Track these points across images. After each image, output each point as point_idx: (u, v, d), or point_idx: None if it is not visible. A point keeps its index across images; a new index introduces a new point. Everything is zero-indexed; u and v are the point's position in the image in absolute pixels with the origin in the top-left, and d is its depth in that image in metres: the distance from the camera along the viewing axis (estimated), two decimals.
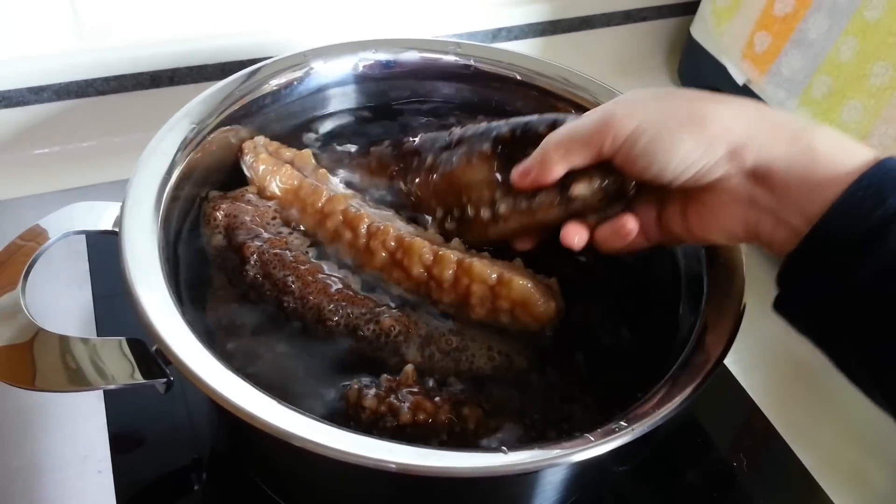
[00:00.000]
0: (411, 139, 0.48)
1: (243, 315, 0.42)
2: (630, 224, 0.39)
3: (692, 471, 0.50)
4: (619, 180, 0.38)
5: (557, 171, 0.38)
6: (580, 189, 0.38)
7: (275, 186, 0.47)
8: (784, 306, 0.34)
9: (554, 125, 0.39)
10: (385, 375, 0.39)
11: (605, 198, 0.38)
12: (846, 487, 0.49)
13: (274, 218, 0.46)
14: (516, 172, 0.40)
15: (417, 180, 0.46)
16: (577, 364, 0.42)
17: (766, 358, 0.56)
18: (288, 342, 0.41)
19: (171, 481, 0.46)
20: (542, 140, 0.39)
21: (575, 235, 0.39)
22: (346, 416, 0.37)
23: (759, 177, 0.34)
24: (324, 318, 0.41)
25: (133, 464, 0.46)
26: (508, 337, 0.42)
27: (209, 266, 0.44)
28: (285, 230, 0.45)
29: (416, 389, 0.38)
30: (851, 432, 0.52)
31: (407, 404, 0.36)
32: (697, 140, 0.33)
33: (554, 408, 0.39)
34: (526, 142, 0.40)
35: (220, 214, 0.45)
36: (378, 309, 0.41)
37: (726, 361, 0.54)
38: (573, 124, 0.38)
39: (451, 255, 0.42)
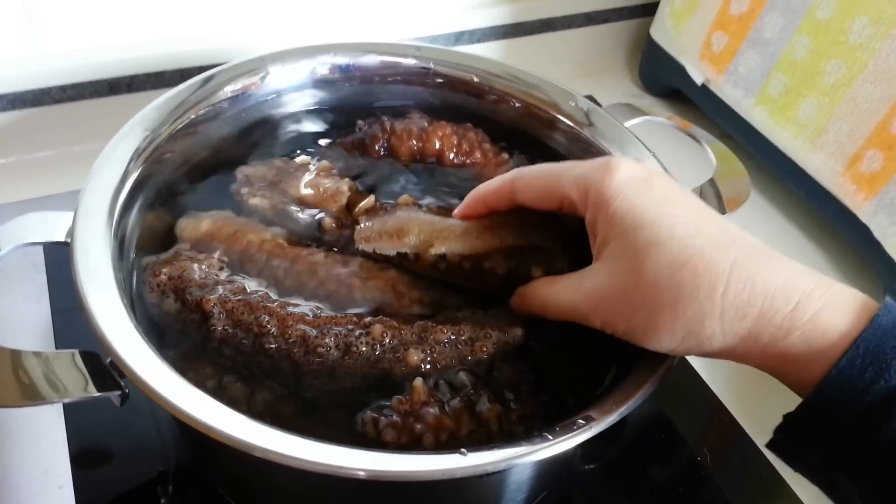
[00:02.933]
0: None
1: (224, 376, 0.39)
2: None
3: (660, 467, 0.50)
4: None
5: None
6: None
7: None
8: (780, 452, 0.34)
9: None
10: (396, 397, 0.37)
11: None
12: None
13: (221, 268, 0.43)
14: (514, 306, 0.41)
15: None
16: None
17: None
18: (283, 385, 0.39)
19: (135, 495, 0.45)
20: None
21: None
22: (376, 445, 0.36)
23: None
24: (313, 346, 0.38)
25: (95, 478, 0.45)
26: (495, 311, 0.42)
27: (166, 336, 0.41)
28: (238, 277, 0.43)
29: (430, 403, 0.36)
30: None
31: (427, 430, 0.35)
32: (668, 342, 0.34)
33: (564, 374, 0.40)
34: None
35: (163, 278, 0.41)
36: (364, 320, 0.40)
37: (689, 357, 0.55)
38: (557, 294, 0.38)
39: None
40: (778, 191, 0.71)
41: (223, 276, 0.42)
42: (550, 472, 0.45)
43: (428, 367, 0.38)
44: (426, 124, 0.52)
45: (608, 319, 0.35)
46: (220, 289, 0.40)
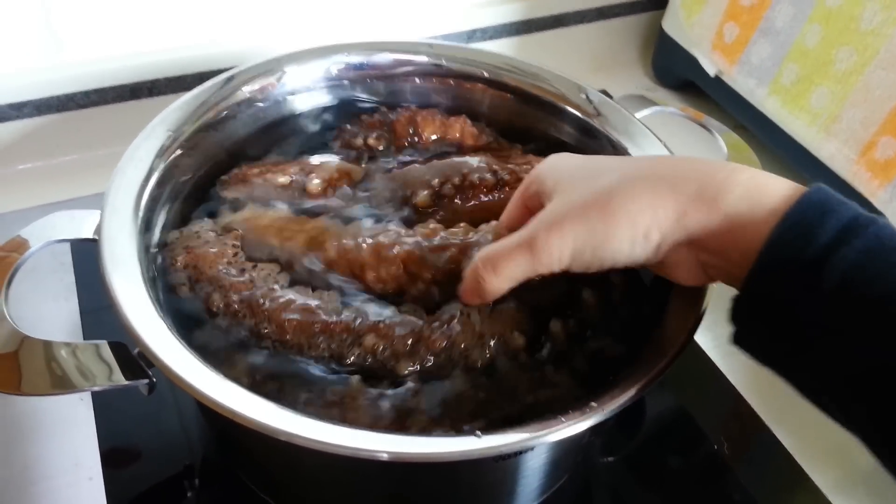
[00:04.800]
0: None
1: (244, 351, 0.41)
2: None
3: (680, 459, 0.51)
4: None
5: (500, 291, 0.38)
6: None
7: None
8: (740, 342, 0.34)
9: None
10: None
11: None
12: (828, 469, 0.50)
13: (236, 254, 0.44)
14: (464, 294, 0.39)
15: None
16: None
17: None
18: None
19: (163, 488, 0.46)
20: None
21: None
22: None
23: (695, 245, 0.35)
24: (308, 354, 0.40)
25: (124, 471, 0.46)
26: (501, 310, 0.42)
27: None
28: (249, 265, 0.44)
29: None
30: None
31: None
32: (631, 240, 0.34)
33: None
34: None
35: (179, 266, 0.43)
36: (357, 326, 0.40)
37: (705, 347, 0.55)
38: (502, 247, 0.37)
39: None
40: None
41: (234, 269, 0.43)
42: (566, 457, 0.46)
43: (418, 373, 0.39)
44: (447, 116, 0.55)
45: (563, 239, 0.34)
46: (225, 284, 0.42)
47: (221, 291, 0.42)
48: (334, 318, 0.40)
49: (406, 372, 0.39)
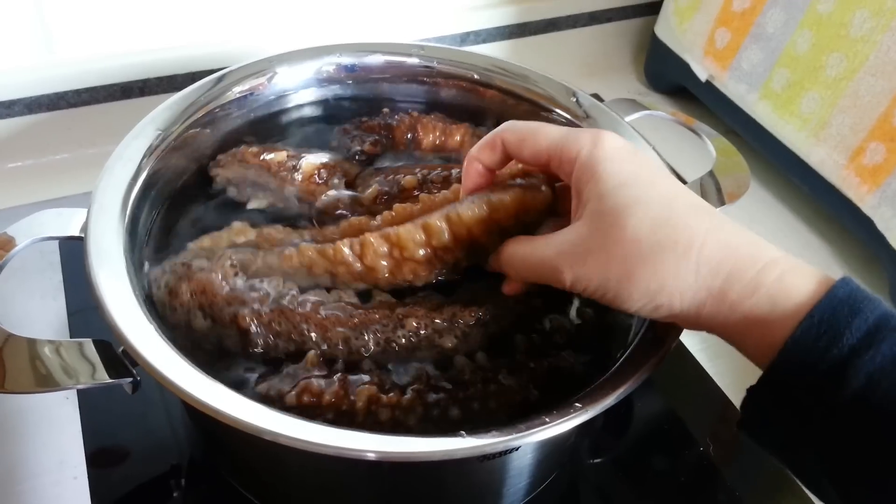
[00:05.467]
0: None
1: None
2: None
3: (667, 460, 0.51)
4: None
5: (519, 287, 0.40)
6: None
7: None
8: (748, 429, 0.35)
9: None
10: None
11: None
12: None
13: (236, 273, 0.42)
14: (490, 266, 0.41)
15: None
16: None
17: (731, 347, 0.57)
18: None
19: (149, 488, 0.46)
20: None
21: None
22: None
23: (706, 328, 0.35)
24: (356, 348, 0.40)
25: (109, 470, 0.46)
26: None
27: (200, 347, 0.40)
28: (254, 280, 0.42)
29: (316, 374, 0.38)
30: None
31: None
32: (640, 308, 0.34)
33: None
34: None
35: (185, 297, 0.40)
36: (397, 312, 0.41)
37: (693, 351, 0.56)
38: (529, 252, 0.38)
39: (438, 223, 0.40)
40: (782, 185, 0.71)
41: (241, 283, 0.41)
42: (553, 458, 0.46)
43: (460, 348, 0.40)
44: (449, 123, 0.54)
45: (582, 274, 0.35)
46: (248, 299, 0.40)
47: (247, 306, 0.40)
48: (371, 307, 0.41)
49: (451, 345, 0.40)
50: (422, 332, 0.40)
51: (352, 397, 0.37)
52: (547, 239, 0.37)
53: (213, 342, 0.40)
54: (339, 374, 0.38)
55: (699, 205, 0.35)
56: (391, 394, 0.37)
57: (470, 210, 0.40)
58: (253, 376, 0.39)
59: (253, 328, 0.39)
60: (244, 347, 0.40)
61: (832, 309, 0.31)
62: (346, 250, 0.41)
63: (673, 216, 0.34)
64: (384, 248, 0.40)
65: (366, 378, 0.38)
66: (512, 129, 0.39)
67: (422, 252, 0.40)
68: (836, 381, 0.30)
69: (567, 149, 0.37)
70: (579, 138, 0.37)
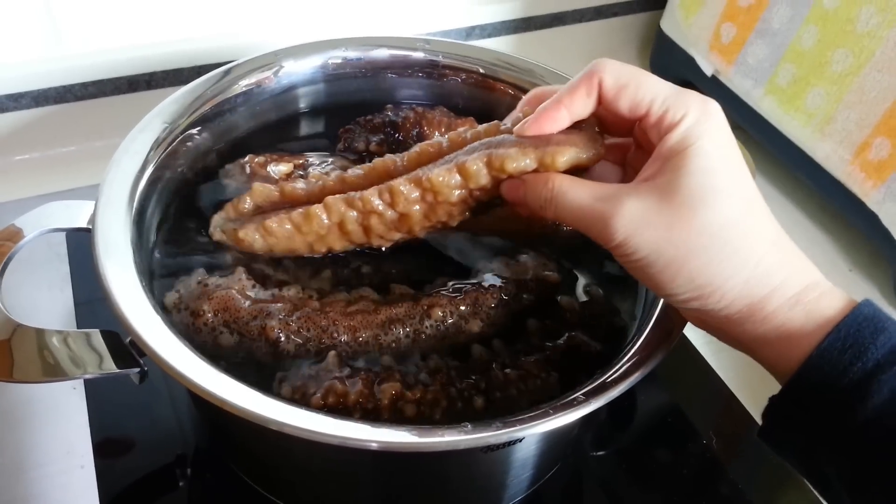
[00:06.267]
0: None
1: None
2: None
3: (671, 455, 0.51)
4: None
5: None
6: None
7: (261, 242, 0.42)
8: (768, 438, 0.35)
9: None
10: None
11: None
12: None
13: (254, 285, 0.42)
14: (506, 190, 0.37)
15: None
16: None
17: None
18: None
19: (155, 478, 0.47)
20: None
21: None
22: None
23: (728, 338, 0.35)
24: (387, 343, 0.40)
25: (116, 459, 0.47)
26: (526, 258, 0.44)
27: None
28: (274, 290, 0.42)
29: (337, 374, 0.38)
30: None
31: (319, 394, 0.37)
32: (670, 297, 0.34)
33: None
34: None
35: (209, 317, 0.40)
36: (421, 303, 0.41)
37: (697, 345, 0.56)
38: (583, 195, 0.34)
39: (475, 164, 0.37)
40: (787, 180, 0.71)
41: (263, 294, 0.41)
42: (556, 450, 0.46)
43: (486, 330, 0.41)
44: (455, 117, 0.54)
45: (634, 240, 0.32)
46: (272, 311, 0.40)
47: (274, 318, 0.39)
48: (393, 302, 0.41)
49: (478, 329, 0.41)
50: (448, 320, 0.40)
51: (377, 395, 0.37)
52: (606, 189, 0.34)
53: (241, 357, 0.40)
54: (362, 372, 0.38)
55: (768, 214, 0.34)
56: (415, 389, 0.38)
57: (515, 162, 0.35)
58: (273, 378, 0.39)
59: (283, 338, 0.39)
60: (275, 357, 0.39)
61: (857, 325, 0.31)
62: (376, 200, 0.39)
63: (747, 220, 0.33)
64: (416, 194, 0.38)
65: (387, 374, 0.38)
66: (612, 72, 0.34)
67: (457, 193, 0.37)
68: (859, 394, 0.30)
69: (674, 109, 0.33)
70: (688, 101, 0.33)
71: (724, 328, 0.34)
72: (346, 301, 0.41)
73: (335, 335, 0.39)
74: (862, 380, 0.30)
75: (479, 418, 0.34)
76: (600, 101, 0.35)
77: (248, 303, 0.40)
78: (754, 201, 0.33)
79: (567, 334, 0.41)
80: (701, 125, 0.33)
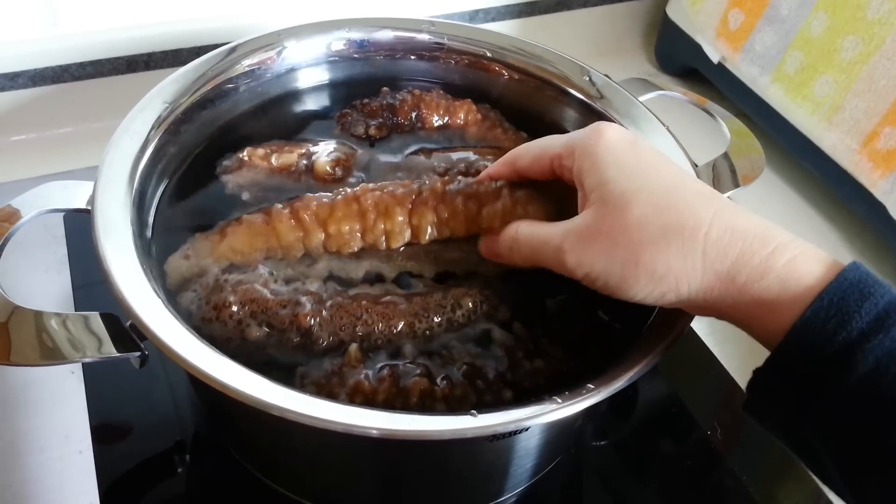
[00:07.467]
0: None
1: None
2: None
3: (672, 444, 0.51)
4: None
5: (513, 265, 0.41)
6: None
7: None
8: (753, 411, 0.35)
9: None
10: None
11: None
12: None
13: (276, 280, 0.41)
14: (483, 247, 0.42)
15: None
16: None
17: (739, 331, 0.57)
18: None
19: (153, 464, 0.46)
20: None
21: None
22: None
23: (715, 311, 0.35)
24: (422, 331, 0.40)
25: (114, 445, 0.46)
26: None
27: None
28: (298, 284, 0.41)
29: (358, 368, 0.37)
30: None
31: (343, 391, 0.37)
32: (646, 294, 0.34)
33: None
34: None
35: (234, 308, 0.39)
36: (451, 293, 0.41)
37: (701, 335, 0.55)
38: (534, 231, 0.38)
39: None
40: (793, 169, 0.71)
41: (286, 287, 0.41)
42: (559, 439, 0.46)
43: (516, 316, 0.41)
44: (452, 99, 0.53)
45: (585, 258, 0.35)
46: (301, 300, 0.39)
47: (306, 307, 0.39)
48: (423, 293, 0.41)
49: (507, 317, 0.41)
50: (479, 309, 0.41)
51: (405, 392, 0.37)
52: (553, 223, 0.37)
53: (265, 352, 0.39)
54: (386, 367, 0.38)
55: (704, 191, 0.35)
56: (443, 384, 0.37)
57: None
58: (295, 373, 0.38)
59: (315, 326, 0.38)
60: (305, 350, 0.39)
61: (842, 292, 0.31)
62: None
63: (678, 202, 0.34)
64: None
65: (413, 368, 0.38)
66: (520, 149, 0.41)
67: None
68: (843, 364, 0.30)
69: (567, 148, 0.38)
70: (576, 135, 0.38)
71: (714, 310, 0.34)
72: (371, 294, 0.41)
73: (368, 323, 0.39)
74: (846, 349, 0.30)
75: None
76: (527, 175, 0.41)
77: (275, 294, 0.40)
78: (681, 185, 0.35)
79: (587, 316, 0.41)
80: (594, 144, 0.36)
